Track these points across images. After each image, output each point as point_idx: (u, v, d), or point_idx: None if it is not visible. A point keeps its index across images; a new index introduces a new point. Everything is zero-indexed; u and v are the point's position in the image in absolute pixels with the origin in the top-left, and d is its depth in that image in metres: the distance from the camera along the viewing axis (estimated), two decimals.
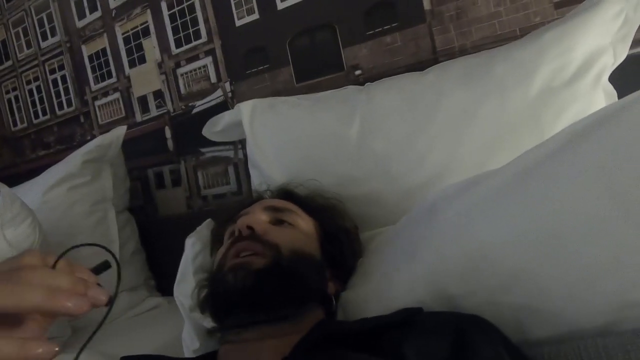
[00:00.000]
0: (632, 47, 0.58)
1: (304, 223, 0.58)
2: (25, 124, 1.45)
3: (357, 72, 0.91)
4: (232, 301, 0.49)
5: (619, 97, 0.58)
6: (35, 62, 1.38)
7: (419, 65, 0.79)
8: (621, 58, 0.57)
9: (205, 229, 0.70)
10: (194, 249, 0.68)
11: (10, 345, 0.26)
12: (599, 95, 0.55)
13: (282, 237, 0.53)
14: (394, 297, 0.49)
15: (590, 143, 0.38)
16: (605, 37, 0.55)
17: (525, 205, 0.41)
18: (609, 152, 0.37)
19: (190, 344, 0.65)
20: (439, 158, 0.57)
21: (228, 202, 1.06)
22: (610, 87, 0.58)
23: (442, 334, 0.38)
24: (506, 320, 0.40)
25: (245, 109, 0.70)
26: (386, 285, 0.50)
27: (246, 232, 0.53)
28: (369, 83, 0.68)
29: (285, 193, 0.65)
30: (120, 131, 1.07)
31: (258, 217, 0.55)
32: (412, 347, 0.38)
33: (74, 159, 1.03)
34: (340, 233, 0.59)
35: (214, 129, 0.75)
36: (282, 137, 0.68)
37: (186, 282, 0.65)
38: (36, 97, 1.40)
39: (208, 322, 0.62)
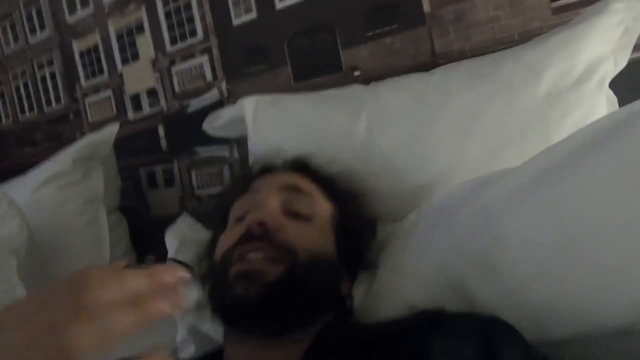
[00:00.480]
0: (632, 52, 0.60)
1: (322, 211, 0.51)
2: (11, 121, 1.41)
3: (356, 73, 0.90)
4: (240, 314, 0.44)
5: (619, 102, 0.59)
6: (23, 58, 1.34)
7: (418, 68, 0.79)
8: (621, 65, 0.59)
9: (182, 223, 0.69)
10: (172, 248, 0.67)
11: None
12: (602, 100, 0.57)
13: (299, 238, 0.47)
14: (407, 294, 0.48)
15: (616, 145, 0.39)
16: (606, 45, 0.57)
17: (547, 205, 0.41)
18: (634, 154, 0.37)
19: (185, 347, 0.64)
20: (446, 157, 0.57)
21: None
22: (611, 93, 0.59)
23: (469, 337, 0.37)
24: (524, 319, 0.40)
25: (248, 105, 0.69)
26: (399, 282, 0.50)
27: (257, 231, 0.46)
28: (374, 82, 0.68)
29: (302, 166, 0.57)
30: (112, 129, 1.04)
31: (272, 208, 0.48)
32: (440, 350, 0.36)
33: (64, 157, 1.00)
34: (360, 228, 0.54)
35: (214, 123, 0.74)
36: (286, 132, 0.67)
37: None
38: (23, 93, 1.36)
39: (204, 326, 0.61)
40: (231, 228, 0.51)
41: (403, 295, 0.49)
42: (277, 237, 0.46)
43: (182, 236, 0.67)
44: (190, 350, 0.63)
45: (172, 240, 0.68)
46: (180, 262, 0.30)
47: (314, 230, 0.49)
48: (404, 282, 0.49)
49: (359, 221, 0.54)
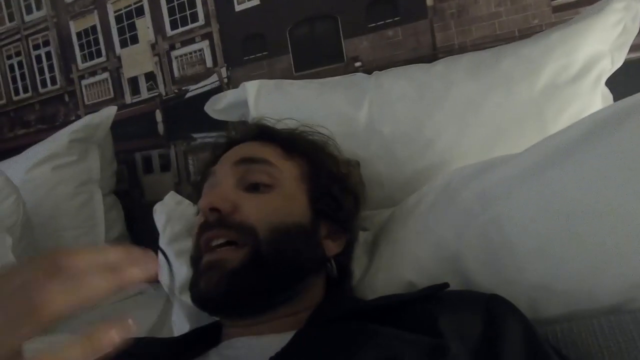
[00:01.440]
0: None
1: (286, 173, 0.48)
2: (4, 101, 1.38)
3: (357, 64, 0.91)
4: (210, 308, 0.45)
5: (615, 100, 0.61)
6: (18, 37, 1.32)
7: (419, 60, 0.81)
8: (618, 64, 0.60)
9: (170, 199, 0.69)
10: (160, 223, 0.66)
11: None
12: (598, 97, 0.58)
13: (258, 213, 0.44)
14: (406, 271, 0.49)
15: (619, 133, 0.40)
16: (604, 44, 0.58)
17: (544, 188, 0.42)
18: (630, 142, 0.39)
19: (180, 326, 0.64)
20: (445, 144, 0.59)
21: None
22: (607, 90, 0.61)
23: (473, 310, 0.38)
24: (520, 299, 0.41)
25: (251, 88, 0.69)
26: (398, 261, 0.50)
27: (212, 217, 0.45)
28: (377, 71, 0.69)
29: (261, 132, 0.54)
30: (110, 111, 1.04)
31: (223, 190, 0.46)
32: (446, 323, 0.37)
33: (60, 138, 1.00)
34: (332, 180, 0.50)
35: (216, 106, 0.74)
36: (289, 116, 0.67)
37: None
38: (17, 73, 1.34)
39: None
40: (196, 216, 0.50)
41: (402, 273, 0.50)
42: (233, 219, 0.44)
43: (170, 211, 0.68)
44: (185, 328, 0.63)
45: (160, 215, 0.68)
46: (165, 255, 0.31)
47: (276, 198, 0.47)
48: (403, 259, 0.50)
49: (329, 170, 0.51)
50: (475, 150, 0.57)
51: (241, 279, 0.42)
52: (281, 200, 0.47)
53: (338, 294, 0.50)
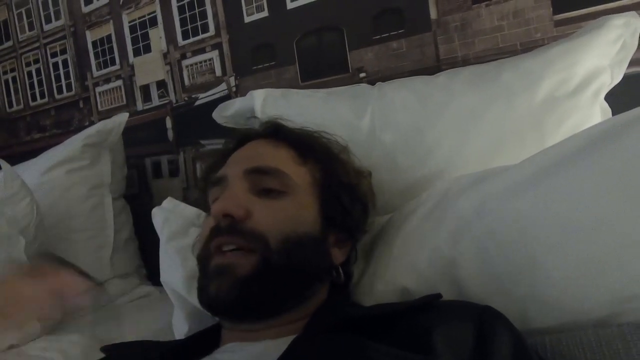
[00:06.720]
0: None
1: (298, 181, 0.48)
2: (22, 106, 1.43)
3: (362, 75, 0.93)
4: (217, 311, 0.45)
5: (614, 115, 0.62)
6: (37, 45, 1.37)
7: (423, 72, 0.82)
8: (617, 79, 0.61)
9: (167, 204, 0.70)
10: (158, 224, 0.68)
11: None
12: (597, 111, 0.59)
13: (270, 221, 0.45)
14: (402, 278, 0.50)
15: (613, 146, 0.41)
16: (604, 59, 0.59)
17: (539, 199, 0.43)
18: (629, 156, 0.39)
19: (181, 327, 0.65)
20: (445, 154, 0.60)
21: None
22: (606, 104, 0.61)
23: (466, 322, 0.38)
24: (512, 309, 0.41)
25: (258, 96, 0.71)
26: (394, 265, 0.51)
27: (224, 223, 0.45)
28: (380, 82, 0.71)
29: (276, 130, 0.53)
30: (122, 118, 1.07)
31: (236, 196, 0.46)
32: (439, 336, 0.36)
33: (74, 142, 1.03)
34: (343, 189, 0.50)
35: (223, 113, 0.77)
36: (293, 125, 0.69)
37: (170, 262, 0.65)
38: (35, 79, 1.39)
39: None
40: (207, 217, 0.50)
41: (398, 279, 0.50)
42: (245, 226, 0.44)
43: (167, 213, 0.69)
44: (184, 329, 0.65)
45: (157, 218, 0.70)
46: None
47: (289, 205, 0.47)
48: (399, 265, 0.51)
49: (341, 178, 0.51)
50: (476, 160, 0.58)
51: (252, 286, 0.43)
52: (293, 207, 0.47)
53: (339, 299, 0.50)
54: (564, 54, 0.59)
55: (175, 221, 0.68)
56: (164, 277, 0.66)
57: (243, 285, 0.42)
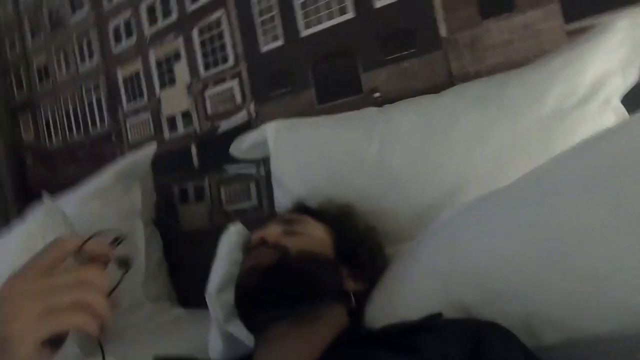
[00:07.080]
0: None
1: (316, 230, 0.61)
2: (60, 142, 1.54)
3: (376, 95, 0.95)
4: (245, 299, 0.54)
5: None
6: (73, 84, 1.48)
7: (436, 89, 0.83)
8: (631, 80, 0.59)
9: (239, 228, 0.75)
10: (228, 243, 0.72)
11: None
12: (609, 117, 0.58)
13: (291, 242, 0.56)
14: (410, 305, 0.51)
15: (590, 158, 0.41)
16: (612, 62, 0.57)
17: (533, 218, 0.43)
18: (607, 165, 0.39)
19: (215, 345, 0.69)
20: (452, 176, 0.60)
21: (249, 217, 1.11)
22: (622, 109, 0.60)
23: (460, 340, 0.39)
24: (519, 327, 0.41)
25: (269, 129, 0.75)
26: (403, 294, 0.52)
27: (258, 244, 0.57)
28: (387, 105, 0.72)
29: (299, 207, 0.70)
30: (151, 150, 1.13)
31: (270, 229, 0.59)
32: (429, 352, 0.39)
33: (107, 174, 1.10)
34: (352, 234, 0.61)
35: (240, 146, 0.81)
36: (304, 155, 0.72)
37: (221, 284, 0.68)
38: (72, 115, 1.50)
39: (235, 330, 0.65)
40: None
41: (407, 309, 0.51)
42: (273, 244, 0.56)
43: (234, 238, 0.72)
44: (219, 348, 0.67)
45: (232, 237, 0.74)
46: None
47: (307, 238, 0.59)
48: (407, 296, 0.52)
49: (350, 230, 0.62)
50: (484, 180, 0.58)
51: (270, 275, 0.53)
52: (312, 240, 0.59)
53: (355, 325, 0.55)
54: (569, 63, 0.58)
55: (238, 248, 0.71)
56: (212, 291, 0.69)
57: (264, 273, 0.53)
